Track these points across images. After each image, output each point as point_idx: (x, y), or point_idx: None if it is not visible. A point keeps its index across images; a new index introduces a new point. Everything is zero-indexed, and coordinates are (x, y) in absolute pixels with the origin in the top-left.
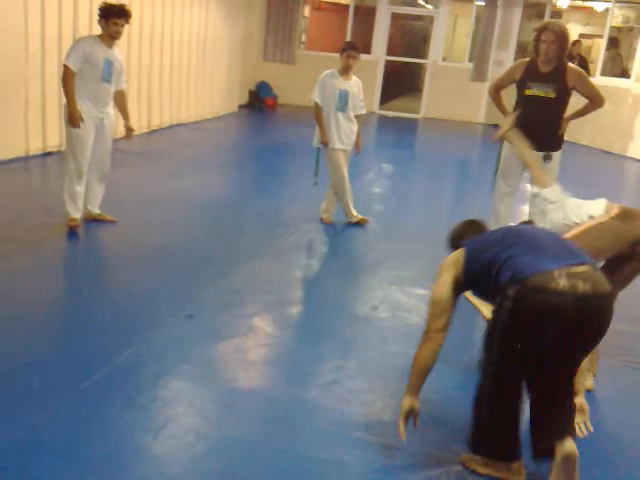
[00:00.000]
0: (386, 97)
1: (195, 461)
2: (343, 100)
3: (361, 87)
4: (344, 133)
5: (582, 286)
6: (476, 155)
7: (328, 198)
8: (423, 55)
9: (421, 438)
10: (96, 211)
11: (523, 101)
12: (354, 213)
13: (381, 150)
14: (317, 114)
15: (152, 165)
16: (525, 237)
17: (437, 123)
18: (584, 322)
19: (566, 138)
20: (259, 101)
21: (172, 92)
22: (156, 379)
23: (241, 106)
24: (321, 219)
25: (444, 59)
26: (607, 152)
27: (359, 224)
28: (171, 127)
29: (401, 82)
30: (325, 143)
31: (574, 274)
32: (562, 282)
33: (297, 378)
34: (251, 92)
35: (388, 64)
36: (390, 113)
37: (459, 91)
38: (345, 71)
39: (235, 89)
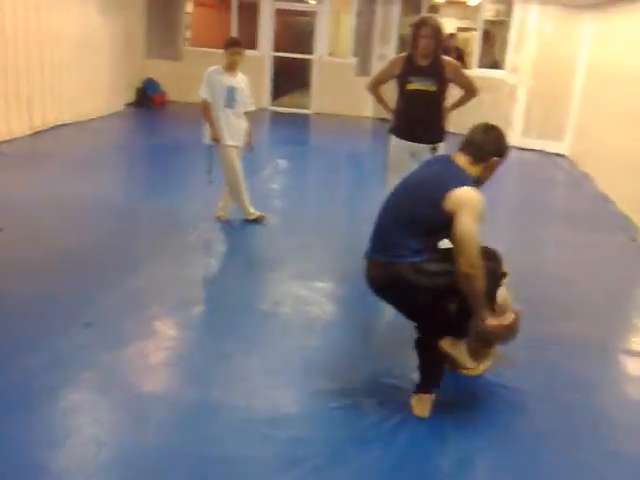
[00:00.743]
0: (277, 93)
1: (99, 471)
2: (231, 96)
3: (247, 83)
4: (234, 130)
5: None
6: (367, 149)
7: (224, 196)
8: (310, 51)
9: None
10: None
11: (405, 96)
12: (251, 210)
13: (275, 146)
14: (206, 111)
15: (38, 168)
16: None
17: (328, 118)
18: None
19: (450, 129)
20: (147, 99)
21: (53, 92)
22: (55, 390)
23: (128, 104)
24: (217, 217)
25: (330, 54)
26: None
27: (257, 221)
28: (55, 128)
29: (291, 78)
30: (217, 140)
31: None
32: None
33: (201, 378)
34: (138, 90)
35: (278, 60)
36: (282, 109)
37: (346, 86)
38: (230, 67)
39: (120, 87)
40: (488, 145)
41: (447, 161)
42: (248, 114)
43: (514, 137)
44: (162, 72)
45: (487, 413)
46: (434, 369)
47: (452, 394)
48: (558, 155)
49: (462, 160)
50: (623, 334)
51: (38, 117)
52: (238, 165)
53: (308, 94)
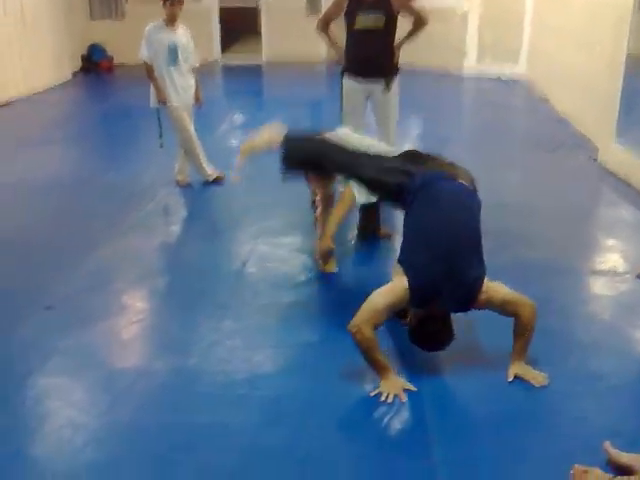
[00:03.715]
0: (227, 45)
1: (76, 454)
2: (173, 54)
3: (190, 37)
4: (181, 87)
5: None
6: (324, 94)
7: (180, 159)
8: None
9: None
10: None
11: (354, 33)
12: (209, 171)
13: (230, 100)
14: (149, 72)
15: None
16: None
17: (281, 66)
18: None
19: (402, 63)
20: (93, 65)
21: None
22: (24, 378)
23: (75, 73)
24: (177, 182)
25: None
26: (444, 72)
27: (216, 181)
28: (0, 106)
29: (241, 28)
30: (163, 101)
31: None
32: None
33: (174, 348)
34: (83, 57)
35: (224, 10)
36: (233, 61)
37: (298, 29)
38: (171, 21)
39: (65, 56)
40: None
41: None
42: (195, 69)
43: (469, 64)
44: (107, 35)
45: (465, 337)
46: None
47: None
48: (514, 79)
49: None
50: (587, 256)
51: None
52: (189, 125)
53: (259, 43)
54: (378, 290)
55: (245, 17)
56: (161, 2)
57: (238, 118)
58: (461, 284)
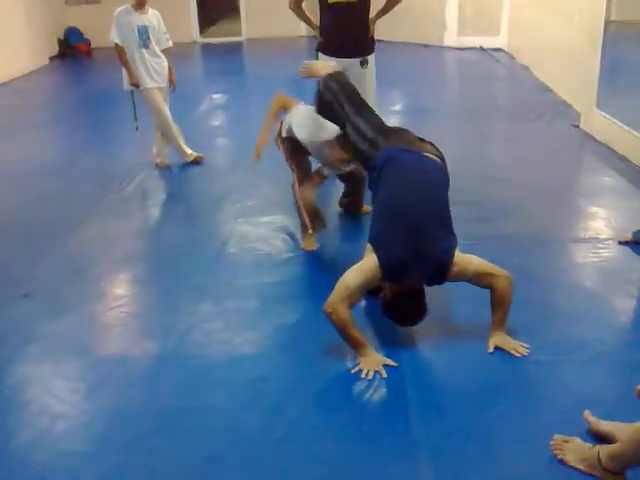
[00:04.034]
0: (206, 24)
1: (56, 443)
2: (144, 36)
3: (160, 19)
4: (153, 70)
5: None
6: None
7: (157, 141)
8: None
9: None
10: None
11: (328, 10)
12: (188, 152)
13: (208, 80)
14: (120, 55)
15: None
16: None
17: (261, 43)
18: None
19: (383, 37)
20: (70, 49)
21: None
22: (2, 369)
23: (52, 57)
24: (156, 164)
25: None
26: (425, 45)
27: (196, 162)
28: None
29: (219, 5)
30: (136, 84)
31: None
32: None
33: (153, 333)
34: (60, 40)
35: None
36: (212, 40)
37: (277, 5)
38: (140, 5)
39: (41, 40)
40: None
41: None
42: (167, 51)
43: (450, 37)
44: (84, 18)
45: (435, 311)
46: None
47: None
48: (496, 50)
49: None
50: (569, 224)
51: None
52: (164, 106)
53: (238, 20)
54: (350, 269)
55: None
56: None
57: (217, 98)
58: (430, 256)
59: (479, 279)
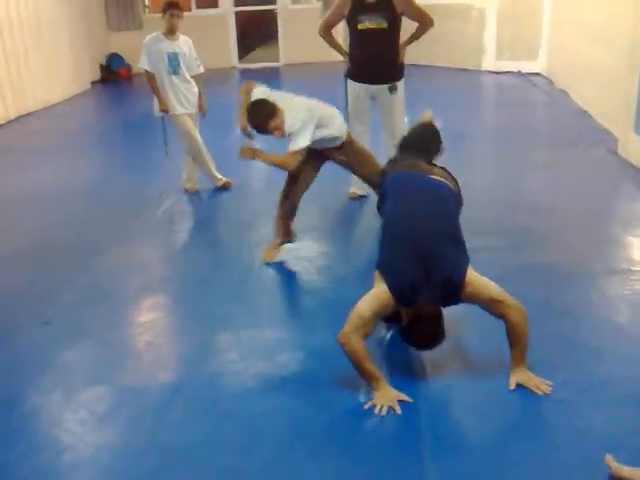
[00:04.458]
0: (245, 50)
1: (61, 475)
2: (174, 62)
3: (191, 45)
4: (183, 96)
5: None
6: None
7: (186, 167)
8: (273, 1)
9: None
10: None
11: (357, 36)
12: (218, 176)
13: None
14: (150, 82)
15: (0, 163)
16: None
17: (298, 68)
18: None
19: (420, 62)
20: (112, 74)
21: (12, 81)
22: (14, 398)
23: (94, 82)
24: (185, 190)
25: (294, 1)
26: (463, 69)
27: (224, 187)
28: (18, 119)
29: (257, 32)
30: (165, 110)
31: None
32: None
33: (167, 363)
34: (102, 66)
35: (241, 15)
36: (250, 65)
37: (314, 32)
38: (170, 32)
39: (84, 66)
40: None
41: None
42: (199, 76)
43: (488, 62)
44: (125, 44)
45: (454, 343)
46: None
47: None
48: (534, 74)
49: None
50: (602, 254)
51: None
52: (195, 131)
53: (276, 46)
54: (362, 297)
55: (261, 20)
56: (161, 14)
57: None
58: (439, 276)
59: (493, 306)
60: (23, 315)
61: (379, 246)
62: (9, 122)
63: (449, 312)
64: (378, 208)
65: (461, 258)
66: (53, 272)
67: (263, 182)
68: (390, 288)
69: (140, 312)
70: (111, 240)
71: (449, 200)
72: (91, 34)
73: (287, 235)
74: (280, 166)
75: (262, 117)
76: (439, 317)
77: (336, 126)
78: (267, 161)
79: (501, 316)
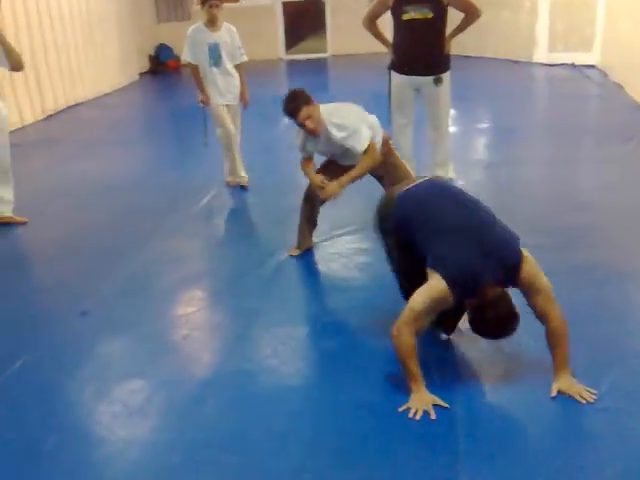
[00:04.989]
0: (292, 41)
1: (89, 471)
2: (215, 53)
3: (235, 34)
4: (223, 88)
5: None
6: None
7: (228, 160)
8: None
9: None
10: (7, 214)
11: (402, 27)
12: (241, 173)
13: None
14: (193, 73)
15: (50, 153)
16: None
17: (346, 59)
18: None
19: (470, 53)
20: (161, 65)
21: (62, 72)
22: (50, 388)
23: (143, 73)
24: (227, 182)
25: None
26: (514, 61)
27: (242, 186)
28: (68, 109)
29: (305, 23)
30: (204, 102)
31: None
32: None
33: (200, 358)
34: (151, 57)
35: (289, 6)
36: (298, 56)
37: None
38: (211, 23)
39: (132, 57)
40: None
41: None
42: (242, 65)
43: (540, 53)
44: (174, 35)
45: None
46: None
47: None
48: (588, 66)
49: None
50: None
51: (49, 100)
52: (229, 123)
53: (324, 37)
54: (417, 291)
55: (309, 11)
56: (199, 5)
57: None
58: (497, 253)
59: (540, 300)
60: (62, 305)
61: (424, 252)
62: (59, 112)
63: None
64: (380, 229)
65: (512, 235)
66: (92, 265)
67: (303, 178)
68: (449, 279)
69: (175, 306)
70: (150, 233)
71: (461, 192)
72: (140, 26)
73: (306, 244)
74: (368, 167)
75: (297, 102)
76: (505, 295)
77: (377, 137)
78: (355, 178)
79: (544, 314)
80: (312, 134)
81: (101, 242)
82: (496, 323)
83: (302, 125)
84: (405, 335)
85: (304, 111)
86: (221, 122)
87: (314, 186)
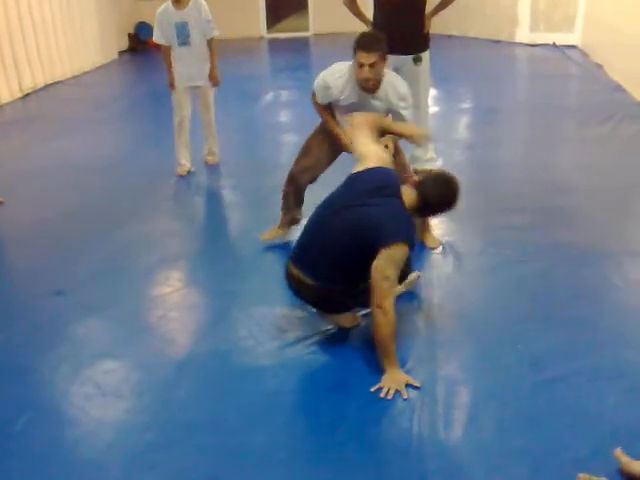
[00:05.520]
0: (274, 19)
1: (60, 452)
2: (183, 33)
3: (204, 8)
4: (191, 69)
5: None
6: None
7: (207, 140)
8: None
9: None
10: None
11: (381, 5)
12: (182, 162)
13: (275, 76)
14: (164, 54)
15: (28, 132)
16: None
17: (328, 38)
18: None
19: (453, 32)
20: (141, 43)
21: (40, 50)
22: (24, 367)
23: (122, 52)
24: (206, 162)
25: None
26: (496, 41)
27: (181, 175)
28: (47, 87)
29: (288, 1)
30: (171, 84)
31: None
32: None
33: (176, 339)
34: (131, 35)
35: None
36: (279, 35)
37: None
38: (177, 1)
39: (111, 35)
40: (439, 206)
41: (393, 195)
42: (213, 41)
43: (522, 33)
44: (153, 13)
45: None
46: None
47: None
48: (569, 47)
49: (408, 196)
50: (630, 237)
51: (27, 79)
52: (184, 108)
53: (306, 16)
54: (376, 264)
55: None
56: None
57: (283, 94)
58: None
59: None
60: (37, 285)
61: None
62: (37, 91)
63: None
64: None
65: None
66: (68, 245)
67: (286, 158)
68: (401, 238)
69: (152, 287)
70: (128, 213)
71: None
72: (119, 2)
73: (292, 221)
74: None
75: (381, 45)
76: (427, 177)
77: None
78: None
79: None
80: (364, 83)
81: (78, 222)
82: (444, 199)
83: (367, 66)
84: (391, 312)
85: (379, 57)
86: (176, 105)
87: (344, 144)
